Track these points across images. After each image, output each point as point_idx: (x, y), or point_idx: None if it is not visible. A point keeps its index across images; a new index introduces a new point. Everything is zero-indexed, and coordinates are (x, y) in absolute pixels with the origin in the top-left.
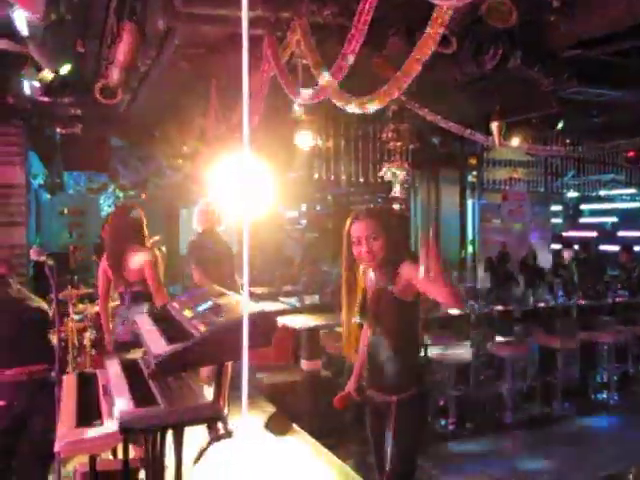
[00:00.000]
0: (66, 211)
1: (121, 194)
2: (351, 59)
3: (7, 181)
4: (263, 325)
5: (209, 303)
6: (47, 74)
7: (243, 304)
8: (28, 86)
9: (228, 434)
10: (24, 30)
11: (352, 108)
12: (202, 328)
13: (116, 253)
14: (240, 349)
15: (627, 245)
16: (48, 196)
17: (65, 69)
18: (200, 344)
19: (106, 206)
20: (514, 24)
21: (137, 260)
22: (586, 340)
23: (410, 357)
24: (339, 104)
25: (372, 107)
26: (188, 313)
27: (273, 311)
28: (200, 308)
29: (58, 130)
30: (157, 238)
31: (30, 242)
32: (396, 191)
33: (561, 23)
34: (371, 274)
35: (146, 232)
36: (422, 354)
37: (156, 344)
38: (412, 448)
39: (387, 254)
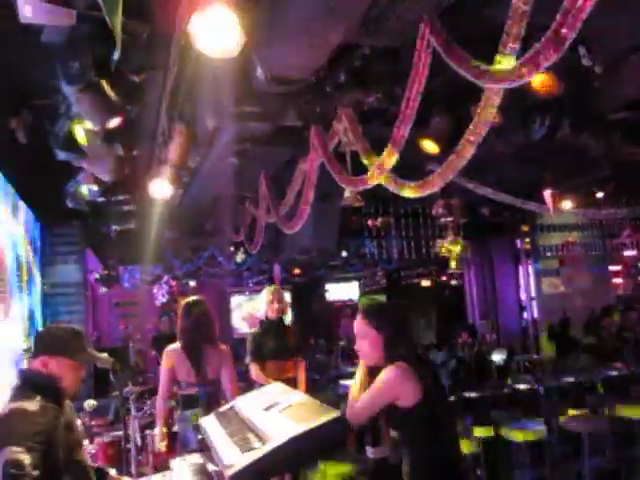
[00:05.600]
0: (120, 302)
1: (174, 282)
2: (402, 144)
3: (67, 279)
4: (338, 430)
5: (278, 403)
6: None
7: (315, 407)
8: (85, 189)
9: None
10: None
11: (405, 193)
12: (275, 434)
13: (197, 348)
14: (317, 455)
15: None
16: (104, 289)
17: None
18: (276, 453)
19: (160, 295)
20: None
21: (217, 355)
22: None
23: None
24: (392, 189)
25: (426, 192)
26: (256, 414)
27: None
28: (269, 409)
29: (113, 227)
30: None
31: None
32: (452, 266)
33: (607, 87)
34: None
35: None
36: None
37: (228, 453)
38: None
39: (377, 353)
